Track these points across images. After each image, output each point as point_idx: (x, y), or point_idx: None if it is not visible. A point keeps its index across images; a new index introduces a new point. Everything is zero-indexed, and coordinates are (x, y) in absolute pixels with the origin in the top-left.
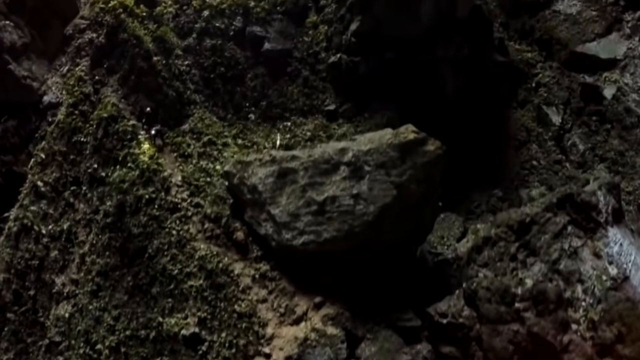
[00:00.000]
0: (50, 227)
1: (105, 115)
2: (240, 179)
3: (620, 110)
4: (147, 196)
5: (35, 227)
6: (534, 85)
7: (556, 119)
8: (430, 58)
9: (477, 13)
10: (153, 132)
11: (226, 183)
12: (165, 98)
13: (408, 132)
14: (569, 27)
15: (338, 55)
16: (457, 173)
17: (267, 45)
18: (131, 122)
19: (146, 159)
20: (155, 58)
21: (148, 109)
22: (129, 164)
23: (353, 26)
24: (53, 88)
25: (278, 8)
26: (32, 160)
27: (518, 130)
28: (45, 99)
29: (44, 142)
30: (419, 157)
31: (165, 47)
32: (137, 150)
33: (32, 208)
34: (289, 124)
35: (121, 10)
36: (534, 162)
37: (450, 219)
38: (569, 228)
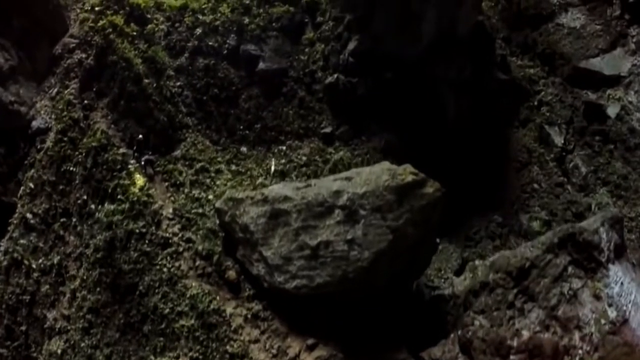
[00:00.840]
0: (40, 261)
1: (94, 144)
2: (231, 216)
3: (624, 131)
4: (137, 231)
5: (26, 262)
6: (536, 103)
7: (558, 139)
8: (431, 79)
9: (479, 29)
10: (143, 161)
11: (217, 221)
12: (157, 123)
13: (406, 173)
14: (572, 41)
15: (335, 75)
16: (457, 197)
17: (261, 65)
18: (121, 151)
19: (136, 190)
20: (145, 81)
21: (140, 136)
22: (118, 196)
23: (351, 45)
24: (42, 112)
25: (273, 24)
26: (21, 189)
27: (519, 151)
28: (34, 124)
29: (32, 171)
30: (416, 200)
31: (157, 67)
32: (127, 181)
33: (22, 241)
34: (284, 148)
35: (110, 30)
36: (535, 185)
37: (448, 250)
38: (570, 269)
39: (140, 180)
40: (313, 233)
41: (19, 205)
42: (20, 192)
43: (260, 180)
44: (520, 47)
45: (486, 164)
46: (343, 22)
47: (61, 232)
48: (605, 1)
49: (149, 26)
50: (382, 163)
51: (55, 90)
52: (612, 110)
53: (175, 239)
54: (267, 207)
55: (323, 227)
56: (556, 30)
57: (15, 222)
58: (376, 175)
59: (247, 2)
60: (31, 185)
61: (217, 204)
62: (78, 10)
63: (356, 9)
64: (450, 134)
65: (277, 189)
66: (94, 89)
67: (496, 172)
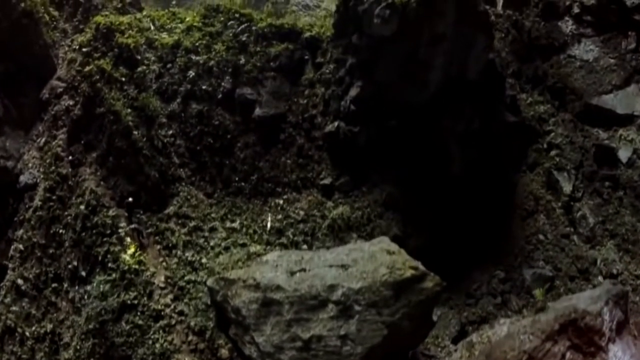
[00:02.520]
0: (33, 328)
1: (82, 207)
2: (223, 296)
3: (635, 178)
4: (129, 302)
5: (19, 329)
6: (545, 146)
7: (567, 186)
8: (437, 130)
9: (489, 69)
10: (134, 226)
11: (209, 301)
12: (147, 180)
13: (405, 268)
14: (584, 75)
15: (336, 123)
16: (459, 250)
17: (258, 111)
18: (111, 213)
19: (127, 257)
20: (135, 133)
21: (130, 199)
22: (109, 264)
23: (353, 92)
24: (29, 165)
25: (271, 64)
26: (12, 249)
27: (526, 199)
28: (22, 179)
29: (22, 231)
30: (414, 295)
31: (147, 115)
32: (117, 247)
33: (14, 308)
34: (281, 202)
35: (98, 76)
36: (541, 236)
37: (447, 317)
38: (568, 355)
39: (131, 246)
40: (305, 326)
41: (9, 268)
42: (11, 252)
43: (255, 247)
44: (530, 80)
45: (491, 214)
46: (345, 65)
47: (53, 299)
48: (620, 32)
49: (139, 69)
50: (382, 240)
51: (43, 139)
52: (624, 154)
53: (168, 310)
54: (259, 294)
55: (316, 321)
56: (568, 63)
57: (6, 286)
58: (374, 267)
59: (244, 38)
60: (21, 247)
61: (209, 283)
62: (66, 48)
63: (359, 53)
64: (454, 186)
65: (269, 274)
66: (82, 142)
67: (501, 221)
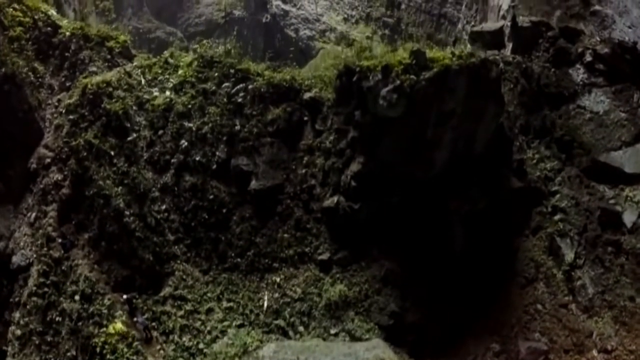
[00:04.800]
0: None
1: (77, 297)
2: None
3: (638, 245)
4: None
5: None
6: (549, 209)
7: (569, 254)
8: (440, 208)
9: (498, 134)
10: (135, 320)
11: None
12: (142, 263)
13: None
14: (593, 129)
15: (335, 198)
16: (456, 321)
17: (254, 184)
18: (106, 301)
19: (125, 347)
20: (127, 214)
21: (125, 296)
22: (107, 355)
23: (354, 167)
24: (21, 244)
25: (268, 128)
26: (10, 332)
27: (526, 266)
28: (14, 260)
29: (19, 315)
30: None
31: (139, 192)
32: (115, 338)
33: None
34: (277, 279)
35: (85, 152)
36: (539, 306)
37: None
38: None
39: (129, 336)
40: None
41: (9, 354)
42: (9, 336)
43: (251, 335)
44: (538, 132)
45: (490, 282)
46: (346, 137)
47: None
48: (633, 84)
49: (129, 138)
50: (376, 345)
51: (34, 215)
52: (628, 218)
53: None
54: None
55: None
56: (577, 114)
57: None
58: None
59: (239, 100)
60: (19, 332)
61: None
62: (53, 109)
63: (362, 128)
64: (454, 260)
65: None
66: (73, 222)
67: (500, 290)
